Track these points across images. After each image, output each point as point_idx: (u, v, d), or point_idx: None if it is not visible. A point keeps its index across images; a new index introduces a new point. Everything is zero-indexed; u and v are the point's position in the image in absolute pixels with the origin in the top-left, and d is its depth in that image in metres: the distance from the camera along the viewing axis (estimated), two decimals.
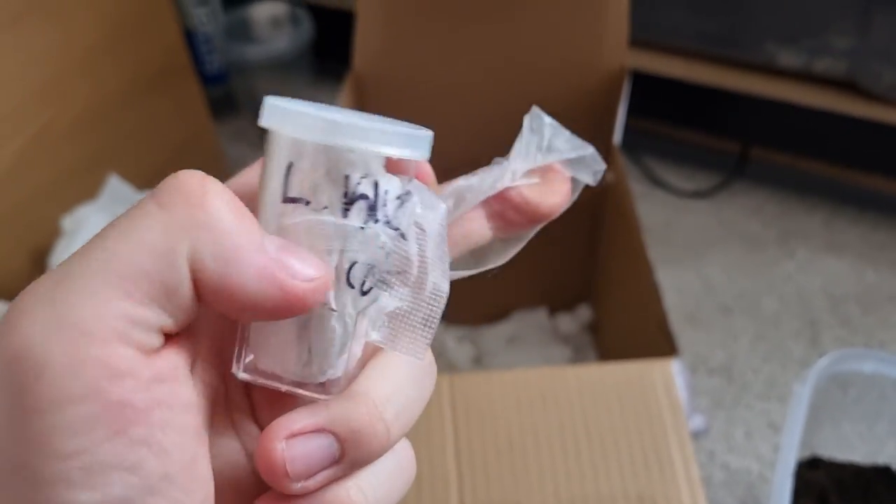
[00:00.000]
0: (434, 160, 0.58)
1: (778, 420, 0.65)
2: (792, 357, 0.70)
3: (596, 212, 0.66)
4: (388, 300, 0.18)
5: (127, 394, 0.15)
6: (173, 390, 0.16)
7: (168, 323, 0.16)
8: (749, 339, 0.71)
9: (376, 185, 0.17)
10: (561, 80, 0.57)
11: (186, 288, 0.15)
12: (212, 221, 0.15)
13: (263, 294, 0.16)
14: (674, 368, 0.48)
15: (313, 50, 0.90)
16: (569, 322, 0.68)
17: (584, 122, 0.60)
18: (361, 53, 0.55)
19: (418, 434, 0.44)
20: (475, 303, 0.72)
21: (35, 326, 0.15)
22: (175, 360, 0.16)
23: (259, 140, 0.96)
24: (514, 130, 0.72)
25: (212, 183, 0.16)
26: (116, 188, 0.57)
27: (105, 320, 0.15)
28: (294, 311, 0.16)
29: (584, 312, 0.69)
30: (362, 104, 0.57)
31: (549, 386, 0.47)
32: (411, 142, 0.18)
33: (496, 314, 0.72)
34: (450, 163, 0.70)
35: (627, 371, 0.48)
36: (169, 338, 0.16)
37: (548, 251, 0.70)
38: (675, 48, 0.81)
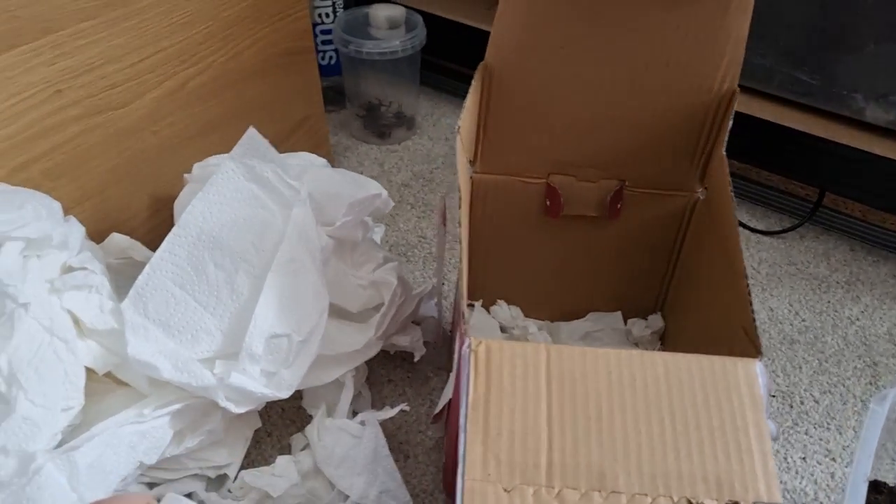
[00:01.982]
0: (547, 154, 0.66)
1: (835, 449, 0.67)
2: (852, 393, 0.72)
3: (679, 231, 0.70)
4: None
5: None
6: None
7: None
8: (811, 370, 0.74)
9: None
10: (677, 95, 0.61)
11: None
12: None
13: None
14: (757, 369, 0.51)
15: (422, 55, 0.95)
16: (641, 327, 0.72)
17: (694, 135, 0.64)
18: (495, 45, 0.59)
19: (516, 392, 0.47)
20: (554, 303, 0.75)
21: None
22: None
23: (360, 132, 1.01)
24: (626, 136, 0.77)
25: None
26: (253, 139, 0.62)
27: None
28: None
29: (655, 320, 0.72)
30: (488, 93, 0.62)
31: (639, 366, 0.49)
32: None
33: (573, 315, 0.75)
34: (563, 157, 0.74)
35: (713, 364, 0.50)
36: None
37: (626, 267, 0.74)
38: (766, 94, 0.85)
